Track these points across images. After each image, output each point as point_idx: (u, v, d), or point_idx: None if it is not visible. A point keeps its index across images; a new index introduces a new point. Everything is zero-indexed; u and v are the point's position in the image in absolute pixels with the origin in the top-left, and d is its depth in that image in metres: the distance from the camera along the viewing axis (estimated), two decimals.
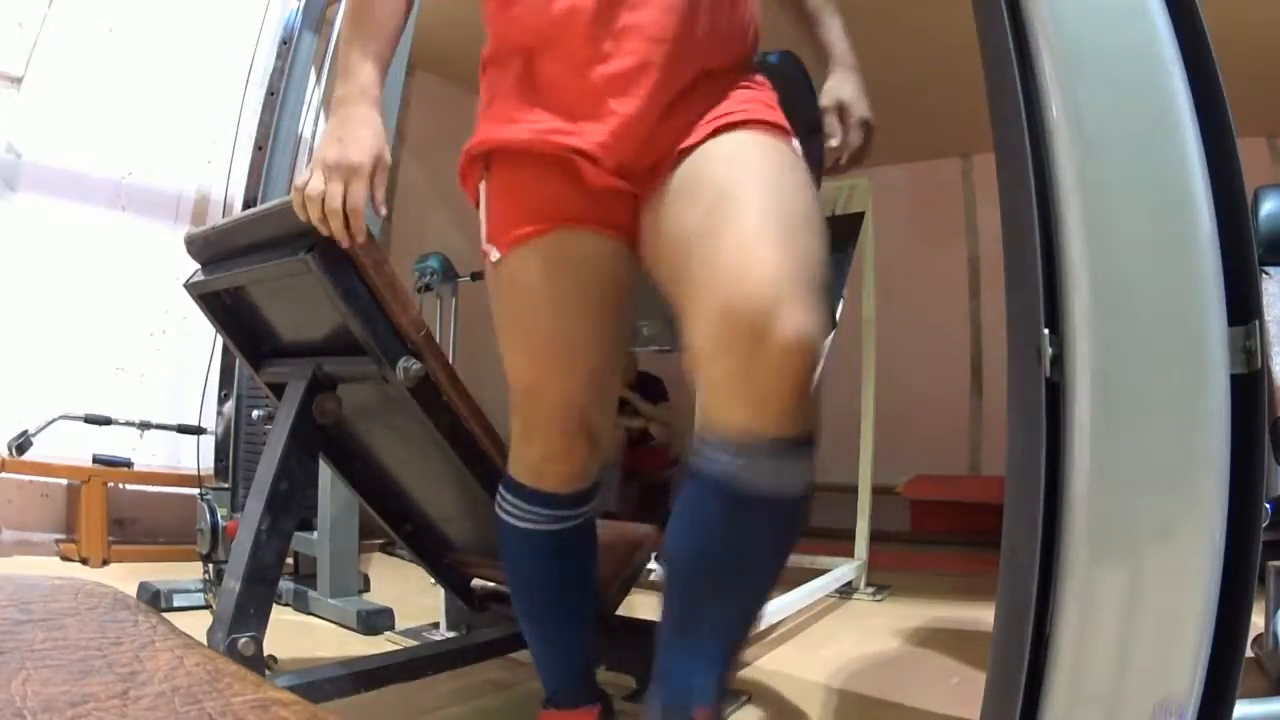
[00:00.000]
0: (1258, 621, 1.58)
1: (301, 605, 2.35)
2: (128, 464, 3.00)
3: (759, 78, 1.14)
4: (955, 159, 4.96)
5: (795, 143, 1.08)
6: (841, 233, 2.56)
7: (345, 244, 1.14)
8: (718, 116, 1.04)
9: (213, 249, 1.45)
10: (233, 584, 1.22)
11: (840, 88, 1.24)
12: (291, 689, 0.35)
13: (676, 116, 1.04)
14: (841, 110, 1.22)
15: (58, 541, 2.92)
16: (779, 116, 1.09)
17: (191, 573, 2.44)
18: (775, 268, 0.88)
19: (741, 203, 0.95)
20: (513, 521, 1.19)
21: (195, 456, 2.94)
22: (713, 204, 0.97)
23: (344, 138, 1.08)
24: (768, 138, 1.04)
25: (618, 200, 1.09)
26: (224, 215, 3.16)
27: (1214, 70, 0.68)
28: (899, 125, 4.36)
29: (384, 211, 1.13)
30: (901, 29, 3.36)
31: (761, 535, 0.94)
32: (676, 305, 0.98)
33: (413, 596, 2.43)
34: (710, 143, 1.03)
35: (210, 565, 2.23)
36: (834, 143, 1.20)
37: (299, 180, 1.11)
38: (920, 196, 4.90)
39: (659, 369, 4.81)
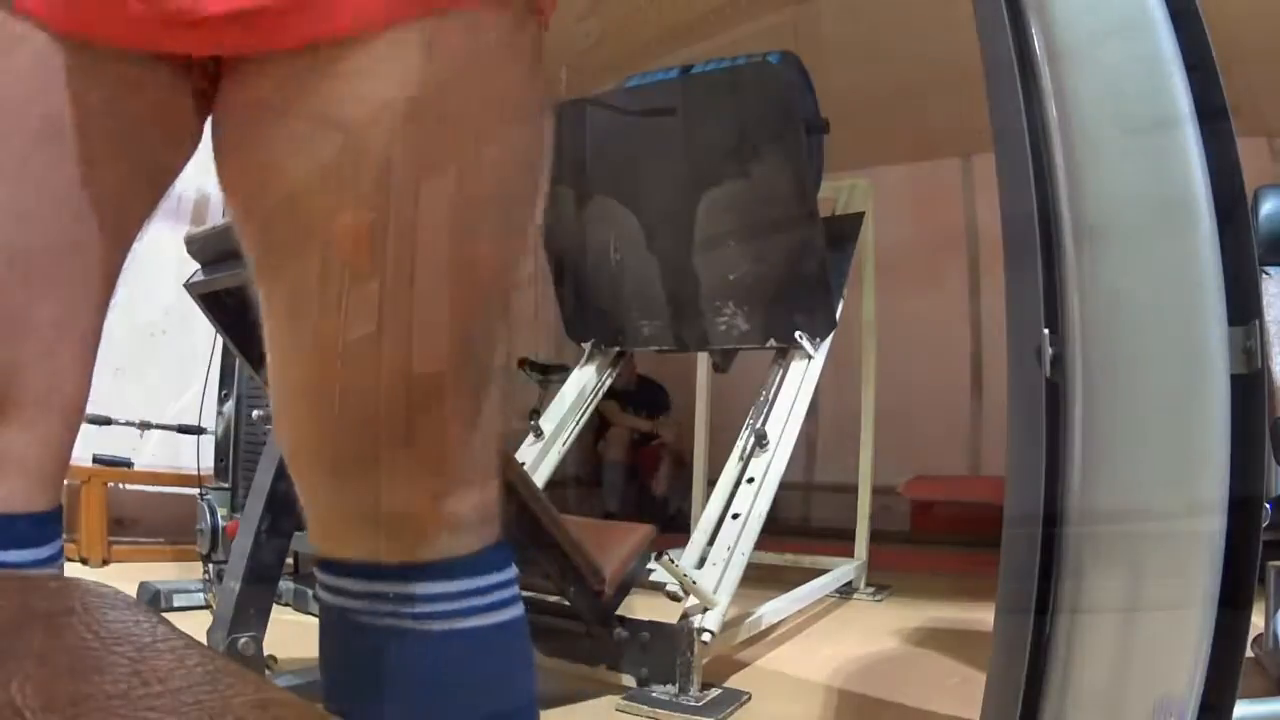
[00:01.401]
0: (1258, 621, 1.58)
1: (301, 605, 2.35)
2: (128, 464, 2.99)
3: None
4: (955, 159, 4.95)
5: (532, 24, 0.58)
6: (841, 233, 2.57)
7: None
8: None
9: (213, 249, 1.45)
10: (233, 584, 1.23)
11: None
12: (291, 689, 0.35)
13: None
14: None
15: None
16: None
17: (191, 573, 2.44)
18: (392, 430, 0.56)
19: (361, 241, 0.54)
20: None
21: (195, 456, 2.94)
22: (328, 181, 0.54)
23: None
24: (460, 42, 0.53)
25: None
26: (224, 215, 3.15)
27: (1214, 70, 0.68)
28: (899, 125, 4.38)
29: None
30: (901, 29, 3.36)
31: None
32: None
33: None
34: (346, 61, 0.52)
35: (210, 565, 2.23)
36: None
37: None
38: (920, 196, 4.90)
39: (661, 373, 4.78)
